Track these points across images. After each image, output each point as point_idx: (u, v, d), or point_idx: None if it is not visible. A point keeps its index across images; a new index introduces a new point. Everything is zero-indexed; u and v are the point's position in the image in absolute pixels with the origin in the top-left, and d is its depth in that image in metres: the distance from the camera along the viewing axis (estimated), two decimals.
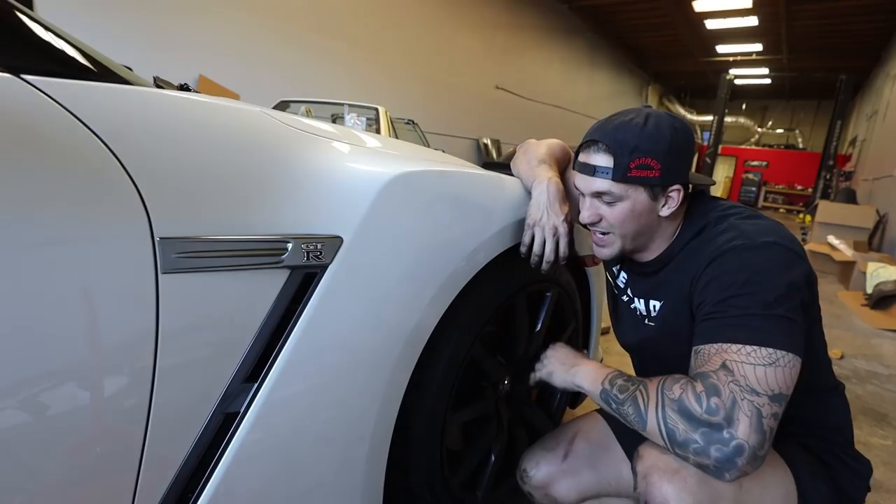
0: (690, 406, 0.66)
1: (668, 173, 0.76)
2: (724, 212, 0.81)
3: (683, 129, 0.77)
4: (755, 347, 0.65)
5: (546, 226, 0.86)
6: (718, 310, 0.70)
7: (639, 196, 0.77)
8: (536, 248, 0.86)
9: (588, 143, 0.80)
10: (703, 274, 0.74)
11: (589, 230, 0.86)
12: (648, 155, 0.74)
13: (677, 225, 0.84)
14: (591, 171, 0.78)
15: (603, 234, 0.83)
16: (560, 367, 0.88)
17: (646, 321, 0.89)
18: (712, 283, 0.72)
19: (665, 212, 0.79)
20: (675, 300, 0.81)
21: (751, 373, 0.64)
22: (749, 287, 0.68)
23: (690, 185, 0.83)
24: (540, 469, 0.95)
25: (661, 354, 0.88)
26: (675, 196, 0.78)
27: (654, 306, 0.87)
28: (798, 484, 0.75)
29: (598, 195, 0.80)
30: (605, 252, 0.84)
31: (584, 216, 0.82)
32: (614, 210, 0.79)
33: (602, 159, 0.77)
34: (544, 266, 0.88)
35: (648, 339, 0.88)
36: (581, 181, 0.82)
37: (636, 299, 0.91)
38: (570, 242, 0.87)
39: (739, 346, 0.66)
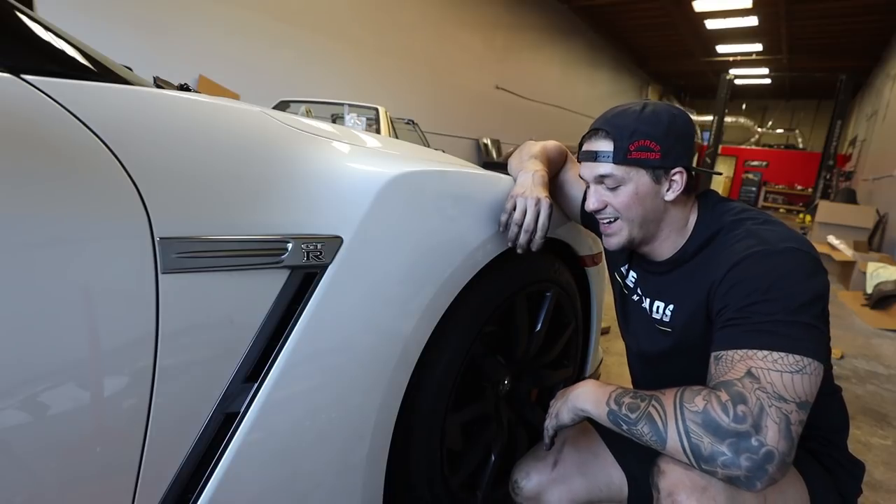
0: (716, 417, 0.63)
1: (668, 155, 0.77)
2: (738, 216, 0.80)
3: (682, 115, 0.80)
4: (783, 354, 0.64)
5: (529, 196, 0.88)
6: (742, 315, 0.68)
7: (641, 178, 0.79)
8: (517, 215, 0.87)
9: (589, 132, 0.83)
10: (724, 280, 0.72)
11: (598, 222, 0.86)
12: (647, 137, 0.76)
13: (688, 219, 0.83)
14: (593, 156, 0.81)
15: (610, 221, 0.83)
16: (559, 402, 0.85)
17: (659, 327, 0.87)
18: (735, 288, 0.71)
19: (670, 196, 0.80)
20: (691, 307, 0.80)
21: (778, 380, 0.63)
22: (773, 293, 0.67)
23: (695, 174, 0.83)
24: (531, 479, 0.95)
25: (675, 362, 0.87)
26: (679, 179, 0.79)
27: (658, 307, 0.86)
28: (810, 492, 0.75)
29: (601, 180, 0.81)
30: (614, 241, 0.84)
31: (591, 203, 0.83)
32: (618, 195, 0.80)
33: (603, 144, 0.79)
34: (522, 237, 0.87)
35: (666, 348, 0.86)
36: (585, 169, 0.83)
37: (644, 298, 0.91)
38: (549, 219, 0.88)
39: (766, 352, 0.65)
